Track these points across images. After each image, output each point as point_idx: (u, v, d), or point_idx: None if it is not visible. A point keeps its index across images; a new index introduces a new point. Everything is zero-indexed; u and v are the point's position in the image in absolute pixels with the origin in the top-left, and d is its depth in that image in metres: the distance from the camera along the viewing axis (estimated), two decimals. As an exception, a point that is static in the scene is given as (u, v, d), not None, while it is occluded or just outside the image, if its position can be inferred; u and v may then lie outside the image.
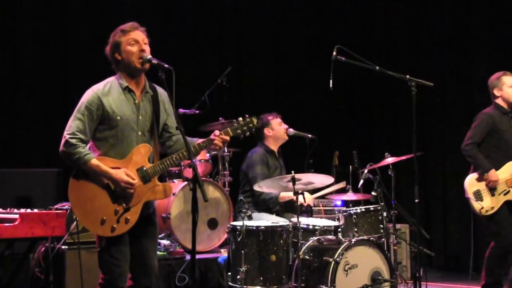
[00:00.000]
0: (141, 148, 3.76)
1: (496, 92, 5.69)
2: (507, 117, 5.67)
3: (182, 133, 3.61)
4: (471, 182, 5.59)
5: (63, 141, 3.64)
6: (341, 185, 5.95)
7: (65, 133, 3.65)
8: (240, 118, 3.91)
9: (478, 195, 5.52)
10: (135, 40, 3.75)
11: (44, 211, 4.38)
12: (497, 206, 5.49)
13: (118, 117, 3.71)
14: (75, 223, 5.07)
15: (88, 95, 3.73)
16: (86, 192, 3.66)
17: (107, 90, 3.74)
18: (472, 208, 5.56)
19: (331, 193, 6.08)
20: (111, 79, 3.82)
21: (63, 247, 5.19)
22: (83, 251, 5.10)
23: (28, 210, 4.24)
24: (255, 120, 3.93)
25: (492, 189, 5.50)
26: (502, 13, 7.51)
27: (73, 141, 3.61)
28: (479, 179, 5.56)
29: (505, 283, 5.57)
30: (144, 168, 3.73)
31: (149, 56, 3.73)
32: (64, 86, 7.15)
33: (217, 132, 3.84)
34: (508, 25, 7.44)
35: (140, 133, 3.78)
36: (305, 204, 5.80)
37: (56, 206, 5.22)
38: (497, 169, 5.52)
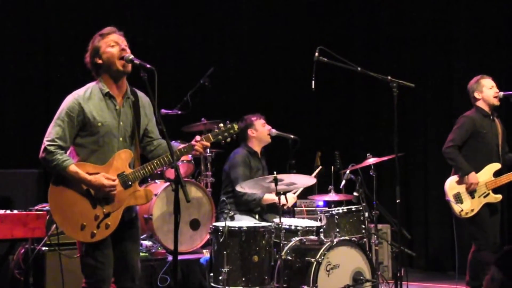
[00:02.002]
0: (122, 154, 3.74)
1: (476, 95, 5.74)
2: (488, 120, 5.71)
3: (165, 134, 3.60)
4: (451, 185, 5.63)
5: (42, 147, 3.63)
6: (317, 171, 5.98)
7: (45, 139, 3.64)
8: (221, 124, 3.92)
9: (458, 198, 5.56)
10: (114, 42, 3.73)
11: (24, 212, 4.35)
12: (477, 209, 5.53)
13: (99, 124, 3.68)
14: (55, 225, 5.03)
15: (69, 101, 3.70)
16: (66, 198, 3.64)
17: (87, 96, 3.71)
18: (452, 210, 5.59)
19: (312, 188, 6.10)
20: (92, 84, 3.78)
21: (43, 248, 5.15)
22: (63, 253, 5.05)
23: (8, 211, 4.20)
24: (236, 126, 3.93)
25: (472, 192, 5.54)
26: (482, 13, 7.57)
27: (52, 148, 3.59)
28: (459, 182, 5.60)
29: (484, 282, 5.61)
30: (125, 173, 3.72)
31: (131, 56, 3.71)
32: (46, 86, 7.09)
33: (198, 138, 3.84)
34: (489, 26, 7.51)
35: (121, 139, 3.76)
36: (289, 205, 5.82)
37: (36, 207, 5.17)
38: (478, 171, 5.56)
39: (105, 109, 3.72)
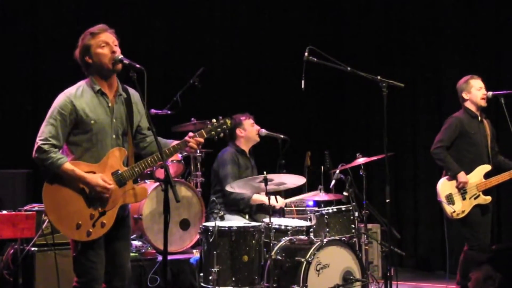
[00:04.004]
0: (116, 152, 3.73)
1: (464, 95, 5.76)
2: (476, 121, 5.73)
3: (154, 134, 3.59)
4: (443, 186, 5.64)
5: (35, 147, 3.60)
6: (315, 193, 5.98)
7: (38, 139, 3.61)
8: (214, 120, 3.90)
9: (450, 199, 5.58)
10: (105, 42, 3.71)
11: (13, 212, 4.34)
12: (468, 210, 5.55)
13: (92, 121, 3.67)
14: (45, 224, 5.02)
15: (61, 99, 3.68)
16: (61, 197, 3.61)
17: (79, 94, 3.69)
18: (444, 211, 5.61)
19: (302, 188, 6.10)
20: (83, 82, 3.77)
21: (32, 249, 5.13)
22: (58, 253, 5.04)
23: (-3, 212, 4.19)
24: (229, 122, 3.92)
25: (463, 193, 5.57)
26: (472, 15, 7.61)
27: (45, 147, 3.57)
28: (451, 183, 5.62)
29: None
30: (119, 172, 3.70)
31: (120, 56, 3.69)
32: (35, 86, 7.07)
33: (191, 134, 3.82)
34: (477, 28, 7.54)
35: (114, 136, 3.74)
36: (277, 207, 5.82)
37: (25, 208, 5.16)
38: (468, 172, 5.58)
39: (97, 106, 3.71)
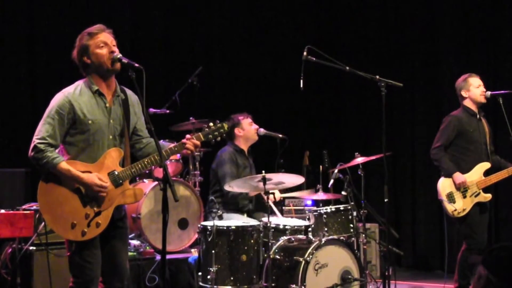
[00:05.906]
0: (112, 152, 3.72)
1: (463, 93, 5.77)
2: (475, 119, 5.74)
3: (153, 134, 3.59)
4: (444, 185, 5.64)
5: (32, 145, 3.59)
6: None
7: (34, 137, 3.61)
8: (211, 124, 3.91)
9: (451, 198, 5.58)
10: (103, 43, 3.70)
11: (12, 211, 4.33)
12: (469, 208, 5.55)
13: (90, 121, 3.66)
14: (43, 223, 5.01)
15: (59, 98, 3.67)
16: (56, 196, 3.61)
17: (77, 94, 3.68)
18: (445, 210, 5.61)
19: (300, 187, 6.11)
20: (80, 82, 3.76)
21: (30, 248, 5.12)
22: (52, 253, 5.03)
23: (-5, 211, 4.18)
24: (226, 126, 3.93)
25: (464, 191, 5.57)
26: (470, 15, 7.62)
27: (41, 146, 3.57)
28: (451, 181, 5.61)
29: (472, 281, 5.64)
30: (116, 172, 3.70)
31: (119, 55, 3.68)
32: (32, 85, 7.05)
33: (188, 136, 3.83)
34: (476, 27, 7.55)
35: (111, 137, 3.74)
36: (276, 199, 5.82)
37: (24, 207, 5.15)
38: (468, 170, 5.59)
39: (95, 106, 3.70)
